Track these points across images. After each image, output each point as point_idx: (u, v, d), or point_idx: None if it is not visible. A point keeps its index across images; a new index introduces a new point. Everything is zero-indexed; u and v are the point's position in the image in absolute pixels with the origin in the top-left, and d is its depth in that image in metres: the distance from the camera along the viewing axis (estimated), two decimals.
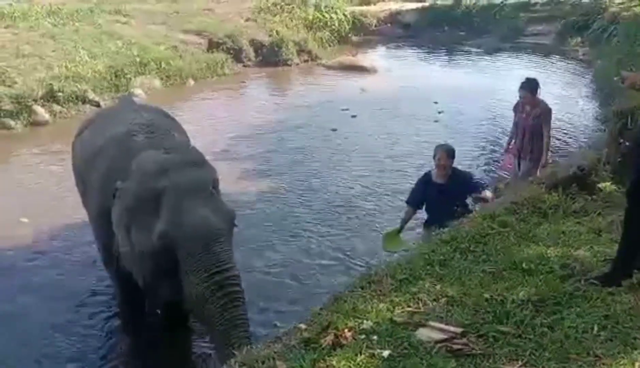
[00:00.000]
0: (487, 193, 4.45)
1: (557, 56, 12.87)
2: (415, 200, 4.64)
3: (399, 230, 4.72)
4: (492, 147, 7.58)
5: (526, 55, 13.28)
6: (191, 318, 3.83)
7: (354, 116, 8.95)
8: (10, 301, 4.49)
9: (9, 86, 8.62)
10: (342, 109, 9.22)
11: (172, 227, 2.99)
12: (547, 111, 5.50)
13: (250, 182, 6.59)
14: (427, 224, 4.62)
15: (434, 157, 4.51)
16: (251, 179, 6.71)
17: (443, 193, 4.33)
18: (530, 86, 5.44)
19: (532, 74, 7.05)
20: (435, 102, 9.40)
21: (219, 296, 2.93)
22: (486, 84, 10.84)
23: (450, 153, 4.41)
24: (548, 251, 3.15)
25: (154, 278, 3.20)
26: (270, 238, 5.40)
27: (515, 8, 15.11)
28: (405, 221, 4.71)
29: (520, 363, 2.20)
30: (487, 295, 2.68)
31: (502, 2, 15.34)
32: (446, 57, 13.76)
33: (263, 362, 2.28)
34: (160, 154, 3.29)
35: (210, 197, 3.19)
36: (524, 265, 2.97)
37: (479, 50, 14.00)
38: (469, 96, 9.92)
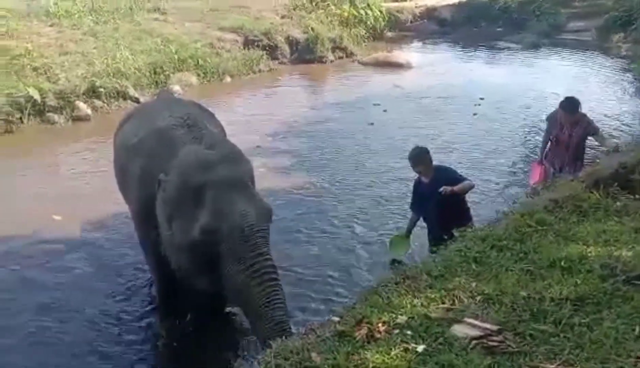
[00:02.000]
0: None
1: (598, 53, 12.53)
2: (415, 204, 4.78)
3: (407, 235, 4.91)
4: (529, 143, 7.43)
5: (566, 52, 12.96)
6: (229, 307, 3.93)
7: (385, 111, 8.99)
8: (43, 296, 4.55)
9: (54, 82, 8.92)
10: (374, 104, 9.24)
11: (215, 220, 3.09)
12: (589, 122, 5.22)
13: (285, 178, 6.64)
14: (428, 222, 4.71)
15: None
16: (286, 175, 6.76)
17: (434, 189, 4.43)
18: (570, 107, 5.11)
19: (572, 89, 6.84)
20: (482, 98, 9.30)
21: (257, 283, 3.02)
22: (524, 82, 10.63)
23: (414, 161, 4.53)
24: (588, 250, 3.07)
25: (192, 269, 3.30)
26: (304, 234, 5.44)
27: (555, 3, 14.82)
28: (411, 225, 4.89)
29: (558, 362, 2.16)
30: (524, 293, 2.64)
31: None
32: (483, 54, 13.54)
33: (297, 353, 2.30)
34: (202, 149, 3.40)
35: (249, 191, 3.29)
36: (562, 264, 2.91)
37: (517, 46, 13.72)
38: (505, 93, 9.76)
